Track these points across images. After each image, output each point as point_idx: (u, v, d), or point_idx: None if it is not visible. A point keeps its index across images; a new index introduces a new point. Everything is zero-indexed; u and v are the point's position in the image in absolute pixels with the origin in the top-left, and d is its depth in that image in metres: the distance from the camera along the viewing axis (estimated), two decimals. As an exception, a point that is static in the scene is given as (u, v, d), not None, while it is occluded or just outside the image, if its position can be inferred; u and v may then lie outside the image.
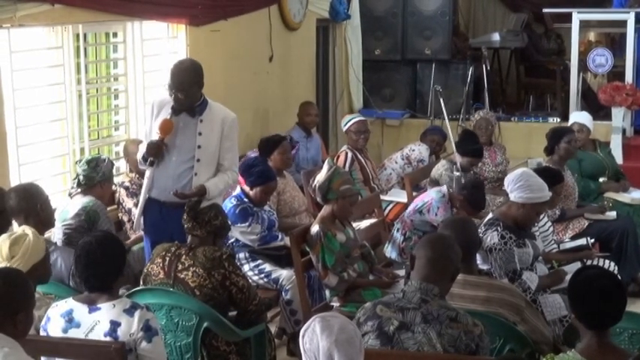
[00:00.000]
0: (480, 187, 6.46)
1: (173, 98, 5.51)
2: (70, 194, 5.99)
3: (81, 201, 5.77)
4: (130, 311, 3.98)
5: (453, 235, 4.34)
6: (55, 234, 5.64)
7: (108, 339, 3.94)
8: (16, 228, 4.91)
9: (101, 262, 4.00)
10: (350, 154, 8.06)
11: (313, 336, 3.17)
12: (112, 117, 7.55)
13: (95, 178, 5.89)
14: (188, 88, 5.50)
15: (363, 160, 8.15)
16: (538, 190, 5.45)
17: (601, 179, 7.94)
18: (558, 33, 12.33)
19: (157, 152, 5.53)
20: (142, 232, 5.98)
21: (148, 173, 5.68)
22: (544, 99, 12.15)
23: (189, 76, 5.52)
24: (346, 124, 8.27)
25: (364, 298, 5.27)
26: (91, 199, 5.75)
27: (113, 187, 6.73)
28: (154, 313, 4.13)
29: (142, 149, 5.65)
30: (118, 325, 3.95)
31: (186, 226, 4.96)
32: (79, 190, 5.90)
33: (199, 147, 5.56)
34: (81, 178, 5.91)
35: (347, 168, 7.83)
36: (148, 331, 3.97)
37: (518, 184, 5.43)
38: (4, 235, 4.23)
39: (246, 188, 6.30)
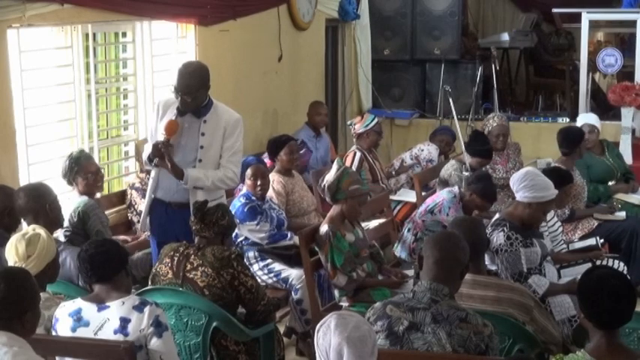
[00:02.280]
0: (485, 178, 6.43)
1: (180, 100, 5.50)
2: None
3: (74, 202, 5.78)
4: (139, 307, 3.99)
5: (461, 235, 4.33)
6: (61, 234, 5.65)
7: (118, 336, 3.95)
8: (25, 227, 4.92)
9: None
10: (359, 154, 8.04)
11: (327, 331, 3.16)
12: (120, 117, 7.56)
13: (65, 178, 5.91)
14: (195, 91, 5.47)
15: (372, 161, 8.14)
16: (543, 189, 5.43)
17: (610, 183, 7.92)
18: (568, 30, 12.30)
19: (161, 153, 5.51)
20: (147, 235, 5.98)
21: (153, 174, 5.67)
22: (553, 99, 12.12)
23: (196, 80, 5.49)
24: (368, 125, 8.10)
25: (373, 298, 5.26)
26: (83, 200, 5.75)
27: (127, 188, 6.79)
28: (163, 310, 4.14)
29: (148, 150, 5.65)
30: (128, 322, 3.96)
31: (194, 228, 4.96)
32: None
33: (202, 147, 5.54)
34: None
35: (356, 168, 7.82)
36: (159, 326, 3.98)
37: (523, 184, 5.42)
38: (18, 235, 4.24)
39: (248, 187, 6.38)
